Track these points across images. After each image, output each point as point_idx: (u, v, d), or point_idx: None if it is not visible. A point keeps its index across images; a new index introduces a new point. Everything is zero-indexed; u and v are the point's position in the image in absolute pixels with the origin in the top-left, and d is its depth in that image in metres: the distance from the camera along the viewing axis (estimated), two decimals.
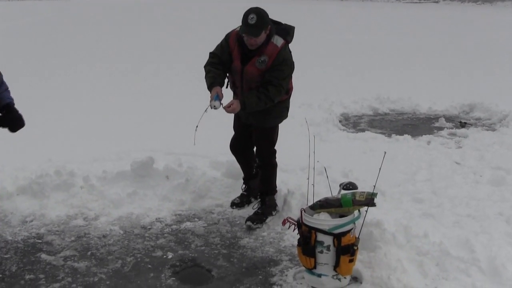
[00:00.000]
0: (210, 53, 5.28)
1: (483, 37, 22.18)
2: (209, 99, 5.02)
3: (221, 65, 5.18)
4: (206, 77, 5.18)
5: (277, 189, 5.74)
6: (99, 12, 30.13)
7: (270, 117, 5.33)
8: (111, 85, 12.05)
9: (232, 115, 5.51)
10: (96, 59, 15.41)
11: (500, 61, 16.16)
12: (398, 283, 4.30)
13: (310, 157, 4.67)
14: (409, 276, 4.38)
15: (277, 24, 5.15)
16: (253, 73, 5.06)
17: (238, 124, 5.69)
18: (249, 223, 5.42)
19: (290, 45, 5.22)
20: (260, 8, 4.97)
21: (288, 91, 5.31)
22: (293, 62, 5.17)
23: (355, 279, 4.48)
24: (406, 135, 8.42)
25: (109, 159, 6.89)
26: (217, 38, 5.37)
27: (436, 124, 9.47)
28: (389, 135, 8.60)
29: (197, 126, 5.04)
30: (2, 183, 6.03)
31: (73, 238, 5.22)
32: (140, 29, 23.30)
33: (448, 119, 9.74)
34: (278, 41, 5.03)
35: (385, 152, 4.50)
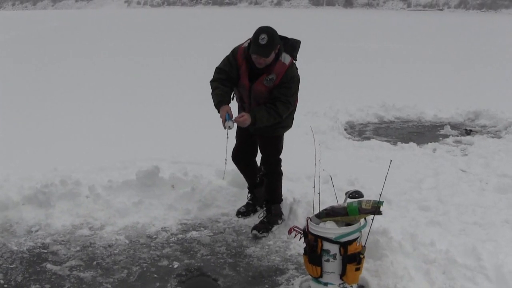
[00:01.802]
0: (217, 68, 5.25)
1: (488, 44, 22.16)
2: (221, 119, 5.00)
3: (228, 81, 5.16)
4: (213, 94, 5.15)
5: (283, 197, 5.73)
6: (107, 21, 30.25)
7: (278, 127, 5.33)
8: (116, 94, 12.09)
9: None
10: (102, 68, 15.47)
11: (505, 68, 16.14)
12: None
13: (316, 165, 4.66)
14: (416, 284, 4.36)
15: (284, 39, 5.15)
16: (261, 91, 5.08)
17: (241, 133, 5.67)
18: (255, 232, 5.41)
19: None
20: (270, 27, 4.96)
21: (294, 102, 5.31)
22: (299, 78, 5.18)
23: None
24: (411, 143, 8.42)
25: (114, 168, 6.89)
26: (221, 47, 5.37)
27: (442, 132, 9.46)
28: (395, 143, 8.59)
29: (226, 159, 5.26)
30: (7, 192, 6.03)
31: (78, 248, 5.21)
32: (147, 37, 23.36)
33: (454, 126, 9.73)
34: (286, 59, 5.05)
35: (391, 160, 4.49)
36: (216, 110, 5.10)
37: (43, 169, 6.75)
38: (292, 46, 5.17)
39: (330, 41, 21.81)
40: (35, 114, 9.99)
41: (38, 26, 26.45)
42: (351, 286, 4.37)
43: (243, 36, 5.28)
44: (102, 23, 29.05)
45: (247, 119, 5.00)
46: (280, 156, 5.58)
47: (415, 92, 12.38)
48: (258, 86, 5.07)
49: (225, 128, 4.97)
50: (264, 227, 5.45)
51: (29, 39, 21.66)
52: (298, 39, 5.29)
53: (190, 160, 7.04)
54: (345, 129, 9.55)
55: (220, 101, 5.06)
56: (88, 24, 28.26)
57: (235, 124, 5.05)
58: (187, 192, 6.08)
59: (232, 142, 5.68)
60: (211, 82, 5.22)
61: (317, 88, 12.42)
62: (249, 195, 5.95)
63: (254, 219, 5.67)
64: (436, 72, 15.53)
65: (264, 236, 5.38)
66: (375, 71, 15.53)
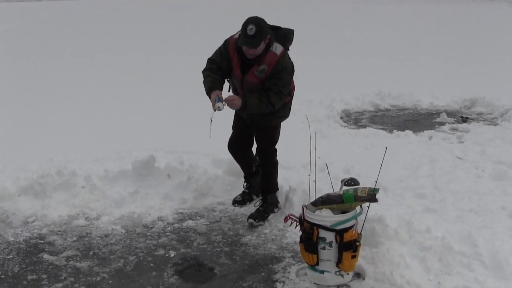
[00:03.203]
0: (209, 59, 5.23)
1: (484, 32, 22.15)
2: (211, 103, 4.99)
3: (220, 71, 5.14)
4: (204, 81, 5.13)
5: (278, 186, 5.73)
6: (102, 12, 30.15)
7: (274, 117, 5.31)
8: (111, 84, 12.05)
9: (232, 113, 5.49)
10: (97, 59, 15.42)
11: (501, 56, 16.13)
12: (401, 279, 4.30)
13: (311, 153, 4.66)
14: (412, 272, 4.37)
15: (276, 29, 5.10)
16: (253, 82, 5.05)
17: (238, 123, 5.66)
18: (251, 220, 5.42)
19: (291, 46, 5.19)
20: (259, 17, 4.91)
21: (290, 92, 5.28)
22: (293, 67, 5.14)
23: (358, 275, 4.48)
24: (407, 131, 8.41)
25: (110, 159, 6.87)
26: (216, 39, 5.34)
27: (438, 119, 9.45)
28: (391, 131, 8.59)
29: (211, 119, 5.10)
30: (3, 183, 6.03)
31: (75, 238, 5.22)
32: (141, 29, 23.30)
33: (450, 114, 9.73)
34: (278, 49, 4.99)
35: (386, 148, 4.49)
36: (209, 99, 5.08)
37: (39, 160, 6.73)
38: (284, 36, 5.11)
39: (324, 30, 21.77)
40: (31, 105, 9.95)
41: (32, 18, 26.34)
42: (348, 274, 4.39)
43: (234, 27, 5.25)
44: (98, 14, 28.98)
45: (237, 103, 4.97)
46: (276, 146, 5.56)
47: (411, 80, 12.35)
48: (250, 77, 5.04)
49: (214, 110, 4.93)
50: (260, 216, 5.46)
51: (24, 31, 21.57)
52: (292, 28, 5.23)
53: (186, 149, 7.02)
54: (341, 118, 9.54)
55: (211, 87, 5.05)
56: (82, 16, 28.17)
57: (225, 107, 4.98)
58: (183, 181, 6.08)
59: (228, 128, 5.69)
60: (203, 71, 5.20)
61: (313, 77, 12.39)
62: (245, 184, 5.94)
63: (250, 208, 5.68)
64: (431, 60, 15.51)
65: (260, 225, 5.39)
66: (370, 59, 15.50)
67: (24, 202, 5.83)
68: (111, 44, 18.43)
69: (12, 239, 5.21)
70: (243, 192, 5.92)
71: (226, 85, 5.28)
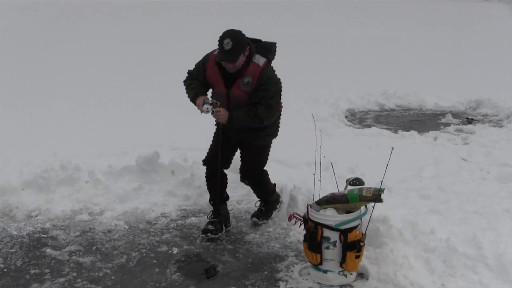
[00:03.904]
0: (188, 70, 5.10)
1: (491, 33, 22.08)
2: (198, 107, 4.87)
3: (199, 82, 5.00)
4: (188, 90, 5.01)
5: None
6: (104, 7, 30.11)
7: (261, 134, 5.05)
8: (116, 80, 12.03)
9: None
10: (101, 54, 15.40)
11: (507, 57, 16.06)
12: (405, 280, 4.29)
13: (316, 152, 4.64)
14: (416, 273, 4.36)
15: (256, 42, 4.94)
16: (240, 96, 4.82)
17: (222, 140, 5.12)
18: (254, 219, 5.39)
19: (278, 61, 5.04)
20: (235, 30, 4.76)
21: (278, 107, 5.03)
22: (279, 80, 4.92)
23: (361, 275, 4.46)
24: (412, 131, 8.39)
25: (114, 154, 6.86)
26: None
27: (443, 120, 9.43)
28: (396, 131, 8.56)
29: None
30: (7, 177, 6.03)
31: (78, 233, 5.22)
32: (145, 24, 23.28)
33: (455, 115, 9.69)
34: (260, 60, 4.82)
35: (392, 148, 4.46)
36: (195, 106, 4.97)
37: (43, 154, 6.73)
38: (265, 48, 4.91)
39: (329, 29, 21.73)
40: (36, 100, 9.94)
41: (35, 14, 26.35)
42: (351, 274, 4.37)
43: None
44: (102, 10, 28.96)
45: (223, 114, 4.79)
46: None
47: (416, 80, 12.31)
48: (236, 91, 4.82)
49: (203, 111, 4.81)
50: (264, 215, 5.43)
51: (26, 26, 21.58)
52: (273, 41, 5.03)
53: (190, 146, 7.00)
54: (346, 117, 9.52)
55: (196, 93, 4.92)
56: (87, 12, 28.18)
57: (213, 109, 4.83)
58: (186, 178, 6.06)
59: None
60: (184, 81, 5.08)
61: (318, 75, 12.38)
62: (211, 213, 5.33)
63: (252, 207, 5.64)
64: (437, 60, 15.47)
65: (264, 223, 5.37)
66: (376, 58, 15.46)
67: (27, 196, 5.83)
68: (115, 40, 18.41)
69: (15, 233, 5.21)
70: (213, 221, 5.26)
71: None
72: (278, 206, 5.57)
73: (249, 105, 4.82)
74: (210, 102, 4.84)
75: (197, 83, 4.98)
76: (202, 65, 4.98)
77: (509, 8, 35.76)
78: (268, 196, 5.49)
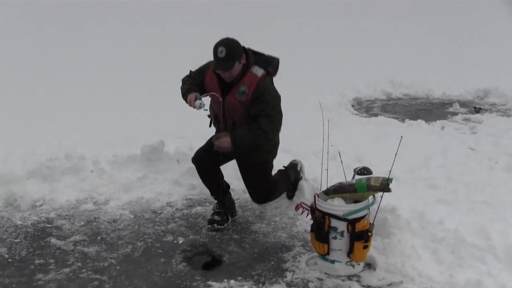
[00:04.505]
0: (190, 71, 5.10)
1: (499, 23, 21.91)
2: (190, 104, 4.82)
3: (197, 82, 4.97)
4: (182, 86, 4.99)
5: (285, 169, 5.46)
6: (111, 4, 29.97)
7: (258, 151, 4.92)
8: (121, 69, 11.97)
9: None
10: (106, 43, 15.33)
11: None
12: (413, 270, 4.25)
13: (324, 141, 4.58)
14: (424, 263, 4.32)
15: (257, 54, 4.86)
16: (235, 105, 4.75)
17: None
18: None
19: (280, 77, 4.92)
20: (229, 39, 4.70)
21: (281, 118, 4.90)
22: (279, 95, 4.81)
23: (369, 266, 4.42)
24: (419, 120, 8.31)
25: (119, 143, 6.82)
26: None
27: (450, 109, 9.35)
28: (403, 120, 8.49)
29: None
30: (11, 167, 6.00)
31: (83, 223, 5.19)
32: (150, 14, 23.18)
33: (463, 104, 9.61)
34: (258, 71, 4.73)
35: (401, 137, 4.41)
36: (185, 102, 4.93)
37: (48, 144, 6.70)
38: (266, 60, 4.82)
39: (337, 18, 21.60)
40: (40, 88, 9.90)
41: (39, 6, 26.29)
42: (358, 264, 4.33)
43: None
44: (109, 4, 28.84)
45: (223, 136, 4.70)
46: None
47: (424, 69, 12.22)
48: (231, 99, 4.75)
49: (195, 107, 4.75)
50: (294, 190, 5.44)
51: (30, 13, 21.53)
52: (277, 56, 4.93)
53: (196, 135, 6.94)
54: (352, 106, 9.46)
55: (189, 89, 4.88)
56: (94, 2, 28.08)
57: (207, 104, 4.83)
58: (192, 167, 5.94)
59: None
60: (182, 79, 5.06)
61: (324, 64, 12.29)
62: (216, 205, 5.25)
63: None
64: (445, 49, 15.33)
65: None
66: (382, 47, 15.35)
67: (32, 186, 5.80)
68: (119, 29, 18.33)
69: (19, 222, 5.19)
70: (218, 211, 5.19)
71: (206, 118, 5.08)
72: (301, 175, 5.51)
73: (249, 120, 4.74)
74: (202, 97, 4.79)
75: (192, 82, 4.95)
76: (202, 71, 4.96)
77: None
78: (287, 187, 5.42)
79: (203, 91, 4.89)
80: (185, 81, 5.02)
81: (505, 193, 5.64)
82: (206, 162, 5.07)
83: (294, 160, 5.59)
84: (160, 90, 9.96)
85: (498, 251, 4.39)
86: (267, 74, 4.77)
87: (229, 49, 4.59)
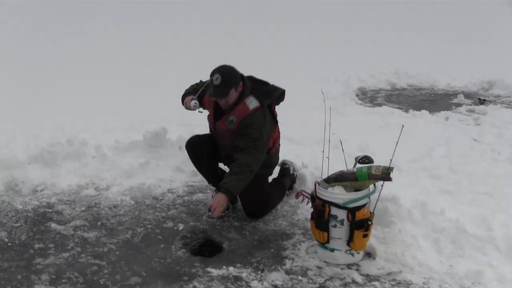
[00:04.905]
0: (200, 81, 5.18)
1: (504, 14, 21.77)
2: (185, 107, 4.98)
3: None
4: (182, 95, 5.13)
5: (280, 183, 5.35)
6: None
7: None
8: (124, 55, 11.95)
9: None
10: (109, 29, 15.29)
11: None
12: (413, 260, 4.23)
13: (325, 128, 4.56)
14: (424, 253, 4.30)
15: (258, 84, 4.83)
16: (224, 130, 4.81)
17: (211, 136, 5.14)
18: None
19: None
20: (226, 66, 4.70)
21: (266, 145, 4.82)
22: (265, 126, 4.70)
23: (369, 255, 4.40)
24: (423, 111, 8.28)
25: (122, 129, 6.82)
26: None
27: (455, 101, 9.31)
28: (407, 110, 8.46)
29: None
30: (13, 151, 6.00)
31: (83, 208, 5.18)
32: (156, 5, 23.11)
33: (467, 95, 9.57)
34: (252, 103, 4.69)
35: (402, 126, 4.37)
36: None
37: (50, 129, 6.70)
38: (266, 92, 4.78)
39: (342, 7, 21.50)
40: (43, 74, 9.90)
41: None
42: (358, 253, 4.31)
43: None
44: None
45: (219, 199, 4.53)
46: (268, 196, 5.04)
47: (428, 60, 12.17)
48: (221, 125, 4.80)
49: (189, 107, 4.87)
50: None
51: (37, 3, 21.48)
52: (283, 88, 4.91)
53: (199, 122, 6.92)
54: (357, 95, 9.43)
55: (188, 93, 5.02)
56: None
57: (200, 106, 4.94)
58: None
59: None
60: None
61: (329, 53, 12.25)
62: (215, 192, 5.15)
63: None
64: (450, 40, 15.25)
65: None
66: (387, 37, 15.27)
67: (33, 171, 5.79)
68: (121, 15, 18.27)
69: (20, 207, 5.18)
70: None
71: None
72: (295, 175, 5.47)
73: (233, 149, 4.74)
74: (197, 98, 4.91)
75: (195, 87, 5.09)
76: (207, 87, 4.92)
77: None
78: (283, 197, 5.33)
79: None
80: (190, 87, 5.14)
81: (508, 185, 5.64)
82: (200, 147, 5.08)
83: (285, 164, 5.46)
84: (165, 77, 9.95)
85: (499, 242, 4.37)
86: (261, 107, 4.71)
87: (224, 76, 4.59)
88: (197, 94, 4.93)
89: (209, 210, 4.55)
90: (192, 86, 5.19)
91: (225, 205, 4.63)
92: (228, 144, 4.89)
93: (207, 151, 5.05)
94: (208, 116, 5.03)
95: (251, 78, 4.86)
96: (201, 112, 5.01)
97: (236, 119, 4.70)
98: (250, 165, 4.60)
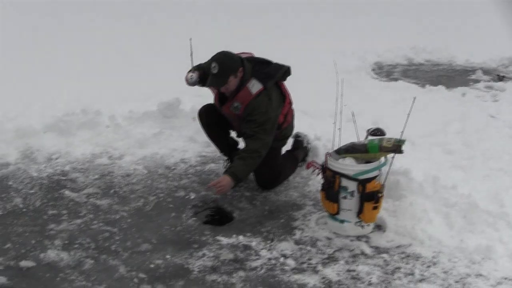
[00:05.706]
0: None
1: None
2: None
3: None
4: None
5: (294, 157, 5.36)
6: None
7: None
8: (139, 26, 11.91)
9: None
10: (123, 4, 15.24)
11: None
12: (423, 233, 4.24)
13: (337, 99, 4.53)
14: (434, 227, 4.31)
15: (261, 64, 4.77)
16: (230, 115, 4.82)
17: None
18: None
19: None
20: (224, 53, 4.69)
21: (272, 128, 4.74)
22: (271, 107, 4.66)
23: (379, 227, 4.41)
24: (440, 86, 8.17)
25: (136, 99, 6.82)
26: None
27: (473, 77, 9.16)
28: (423, 85, 8.35)
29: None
30: (29, 120, 6.05)
31: (97, 176, 5.23)
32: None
33: (486, 72, 9.41)
34: (254, 87, 4.63)
35: (414, 98, 4.33)
36: None
37: (65, 98, 6.74)
38: (267, 73, 4.71)
39: None
40: (60, 44, 9.91)
41: None
42: (368, 225, 4.32)
43: None
44: None
45: (225, 183, 4.53)
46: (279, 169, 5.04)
47: (447, 36, 11.98)
48: (226, 110, 4.80)
49: (187, 80, 4.95)
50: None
51: None
52: (287, 65, 4.85)
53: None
54: (373, 70, 9.32)
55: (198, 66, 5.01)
56: None
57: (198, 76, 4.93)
58: None
59: None
60: None
61: (345, 27, 12.12)
62: (227, 162, 5.29)
63: None
64: (469, 15, 15.03)
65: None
66: (405, 12, 15.08)
67: (48, 139, 5.85)
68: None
69: (35, 174, 5.25)
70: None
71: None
72: (308, 148, 5.47)
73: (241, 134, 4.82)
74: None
75: (200, 65, 5.05)
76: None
77: None
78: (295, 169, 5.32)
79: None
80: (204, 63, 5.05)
81: None
82: (212, 116, 5.10)
83: (299, 136, 5.46)
84: (179, 48, 9.90)
85: (511, 218, 4.35)
86: (264, 89, 4.67)
87: (221, 65, 4.57)
88: (193, 68, 4.95)
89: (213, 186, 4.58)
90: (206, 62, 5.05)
91: (229, 189, 4.64)
92: (237, 125, 4.91)
93: (219, 119, 5.06)
94: (214, 99, 5.03)
95: (252, 59, 4.80)
96: (201, 86, 4.99)
97: (241, 105, 4.66)
98: (258, 151, 4.62)
